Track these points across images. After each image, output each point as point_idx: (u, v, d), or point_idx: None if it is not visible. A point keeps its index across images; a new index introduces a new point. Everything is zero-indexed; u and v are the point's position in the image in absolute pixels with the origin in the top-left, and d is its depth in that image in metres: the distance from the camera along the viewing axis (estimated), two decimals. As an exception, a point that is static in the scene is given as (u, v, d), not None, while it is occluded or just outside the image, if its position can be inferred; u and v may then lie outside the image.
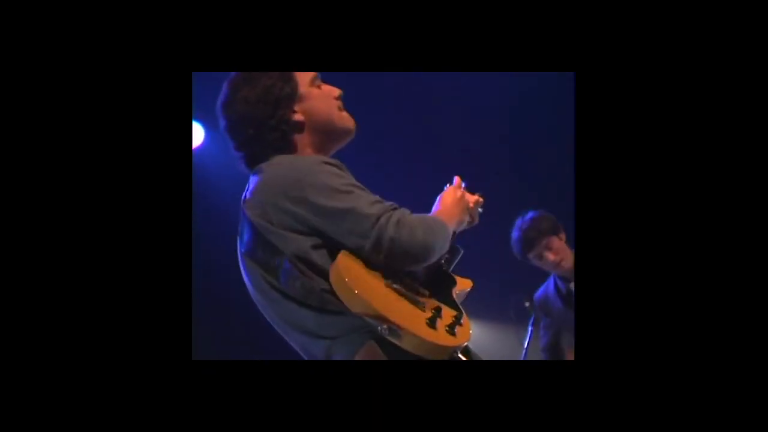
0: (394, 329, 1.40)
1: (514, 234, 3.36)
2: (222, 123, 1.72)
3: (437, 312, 1.49)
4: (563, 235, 3.32)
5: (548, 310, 3.35)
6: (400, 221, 1.47)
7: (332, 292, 1.45)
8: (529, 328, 3.35)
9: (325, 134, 1.70)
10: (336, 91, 1.74)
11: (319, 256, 1.50)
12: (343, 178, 1.54)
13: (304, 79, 1.72)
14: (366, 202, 1.50)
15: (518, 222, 3.36)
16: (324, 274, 1.47)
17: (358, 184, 1.56)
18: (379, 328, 1.40)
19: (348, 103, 1.80)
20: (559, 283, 3.36)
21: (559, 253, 3.27)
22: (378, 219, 1.46)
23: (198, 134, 4.34)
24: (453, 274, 1.71)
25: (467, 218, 1.75)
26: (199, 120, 4.28)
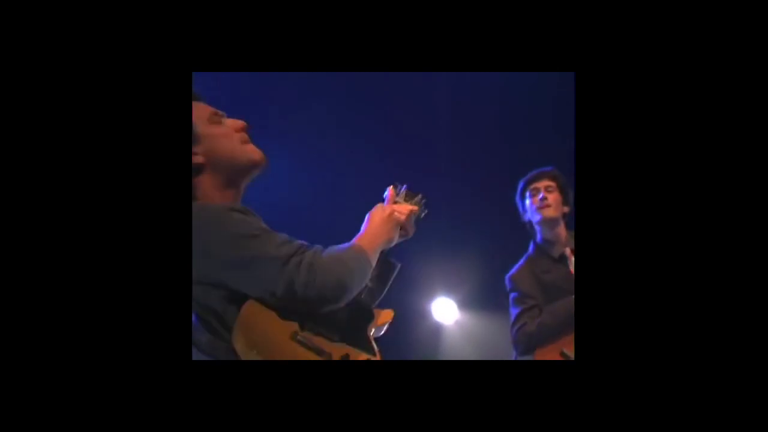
0: None
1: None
2: None
3: (345, 359, 1.46)
4: (564, 193, 3.21)
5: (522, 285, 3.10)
6: (311, 264, 1.41)
7: (234, 351, 1.40)
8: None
9: (231, 171, 1.63)
10: (239, 124, 1.67)
11: (228, 310, 1.44)
12: (249, 224, 1.47)
13: (201, 117, 1.65)
14: (273, 245, 1.43)
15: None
16: (229, 330, 1.42)
17: (265, 227, 1.49)
18: None
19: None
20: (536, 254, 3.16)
21: (548, 195, 3.14)
22: (286, 263, 1.40)
23: None
24: (372, 309, 1.65)
25: (398, 234, 1.69)
26: None
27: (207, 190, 1.61)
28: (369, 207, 1.68)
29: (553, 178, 3.25)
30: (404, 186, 1.76)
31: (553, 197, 3.18)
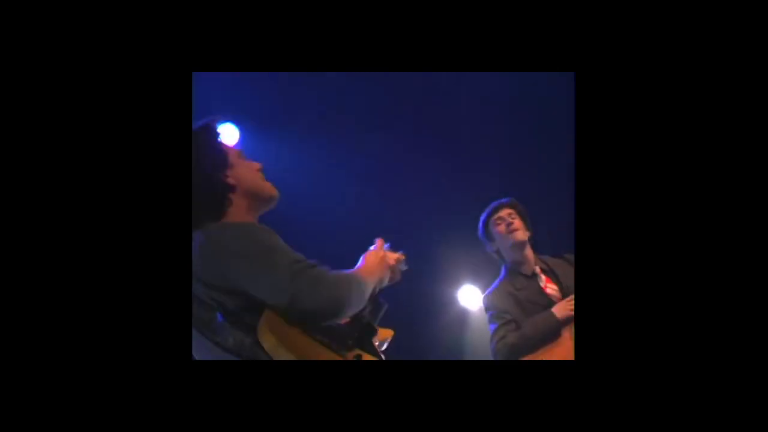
0: None
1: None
2: None
3: (357, 358, 1.63)
4: (524, 220, 3.42)
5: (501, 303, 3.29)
6: (315, 279, 1.59)
7: (258, 344, 1.56)
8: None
9: (252, 199, 1.83)
10: (257, 165, 1.90)
11: (248, 313, 1.61)
12: (268, 241, 1.66)
13: (231, 151, 1.87)
14: (288, 260, 1.61)
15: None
16: (253, 329, 1.58)
17: (283, 243, 1.67)
18: None
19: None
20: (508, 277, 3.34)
21: (513, 220, 3.36)
22: (294, 278, 1.57)
23: (234, 134, 4.36)
24: (375, 326, 1.82)
25: (389, 275, 1.87)
26: (233, 121, 4.30)
27: (234, 211, 1.80)
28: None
29: (512, 207, 3.51)
30: (387, 245, 1.94)
31: (518, 222, 3.42)
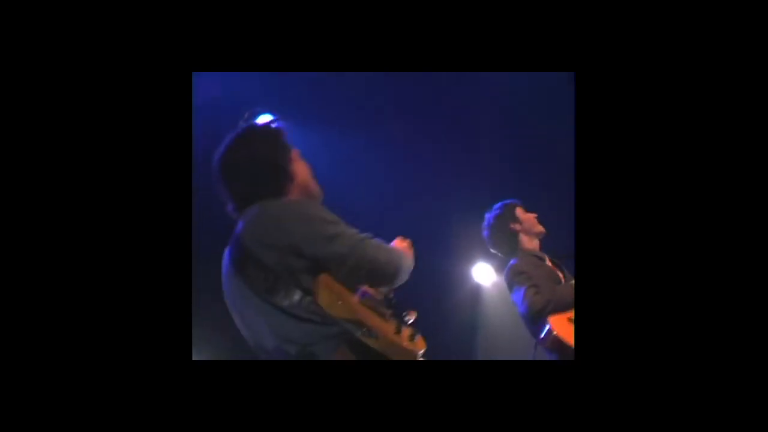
0: (373, 331, 1.70)
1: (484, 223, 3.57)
2: (226, 169, 2.01)
3: (399, 326, 1.78)
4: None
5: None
6: (378, 246, 1.84)
7: (316, 305, 1.72)
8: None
9: (303, 193, 2.05)
10: (309, 167, 2.13)
11: (305, 275, 1.77)
12: (330, 213, 1.87)
13: (295, 150, 2.09)
14: (349, 232, 1.83)
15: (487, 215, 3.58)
16: (308, 290, 1.75)
17: (340, 219, 1.87)
18: (359, 331, 1.70)
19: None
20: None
21: (527, 219, 3.44)
22: (362, 241, 1.81)
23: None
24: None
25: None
26: (272, 112, 4.31)
27: (291, 195, 2.02)
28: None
29: (522, 206, 3.58)
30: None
31: (526, 219, 3.53)
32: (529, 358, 3.21)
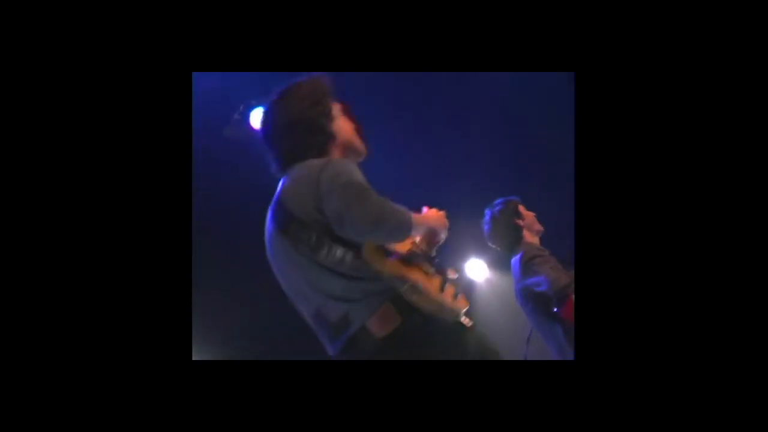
0: (416, 287, 1.70)
1: (485, 218, 3.58)
2: (267, 130, 2.04)
3: (443, 283, 1.78)
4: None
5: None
6: (373, 203, 1.75)
7: (360, 260, 1.74)
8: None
9: (346, 150, 2.06)
10: (356, 125, 2.13)
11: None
12: (353, 173, 1.84)
13: (339, 106, 2.09)
14: (353, 190, 1.78)
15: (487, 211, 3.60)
16: (350, 245, 1.76)
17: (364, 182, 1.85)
18: (403, 287, 1.69)
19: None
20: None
21: (528, 216, 3.45)
22: (352, 201, 1.74)
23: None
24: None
25: (443, 233, 1.99)
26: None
27: (330, 154, 2.02)
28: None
29: (522, 203, 3.60)
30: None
31: (527, 216, 3.54)
32: (522, 353, 3.24)
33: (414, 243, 1.86)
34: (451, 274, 1.84)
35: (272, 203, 1.93)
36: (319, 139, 1.99)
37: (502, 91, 4.41)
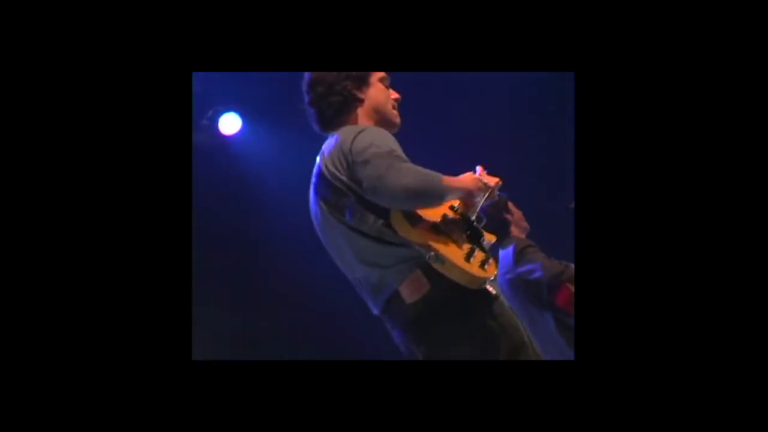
0: (440, 256, 1.74)
1: None
2: (306, 100, 2.08)
3: (472, 251, 1.81)
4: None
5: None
6: (405, 170, 1.80)
7: (389, 226, 1.80)
8: None
9: (378, 119, 2.09)
10: (395, 95, 2.18)
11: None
12: (386, 142, 1.89)
13: (377, 74, 2.13)
14: (382, 162, 1.81)
15: None
16: (381, 211, 1.82)
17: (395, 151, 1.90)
18: (427, 255, 1.74)
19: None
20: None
21: (517, 213, 3.46)
22: (386, 169, 1.78)
23: (236, 123, 4.35)
24: (481, 230, 2.01)
25: (484, 193, 1.99)
26: (236, 111, 4.29)
27: (361, 120, 2.08)
28: None
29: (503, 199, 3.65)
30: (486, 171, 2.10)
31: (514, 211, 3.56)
32: None
33: (451, 208, 1.90)
34: (486, 240, 1.87)
35: (314, 173, 1.99)
36: (351, 107, 2.04)
37: (502, 91, 4.41)
